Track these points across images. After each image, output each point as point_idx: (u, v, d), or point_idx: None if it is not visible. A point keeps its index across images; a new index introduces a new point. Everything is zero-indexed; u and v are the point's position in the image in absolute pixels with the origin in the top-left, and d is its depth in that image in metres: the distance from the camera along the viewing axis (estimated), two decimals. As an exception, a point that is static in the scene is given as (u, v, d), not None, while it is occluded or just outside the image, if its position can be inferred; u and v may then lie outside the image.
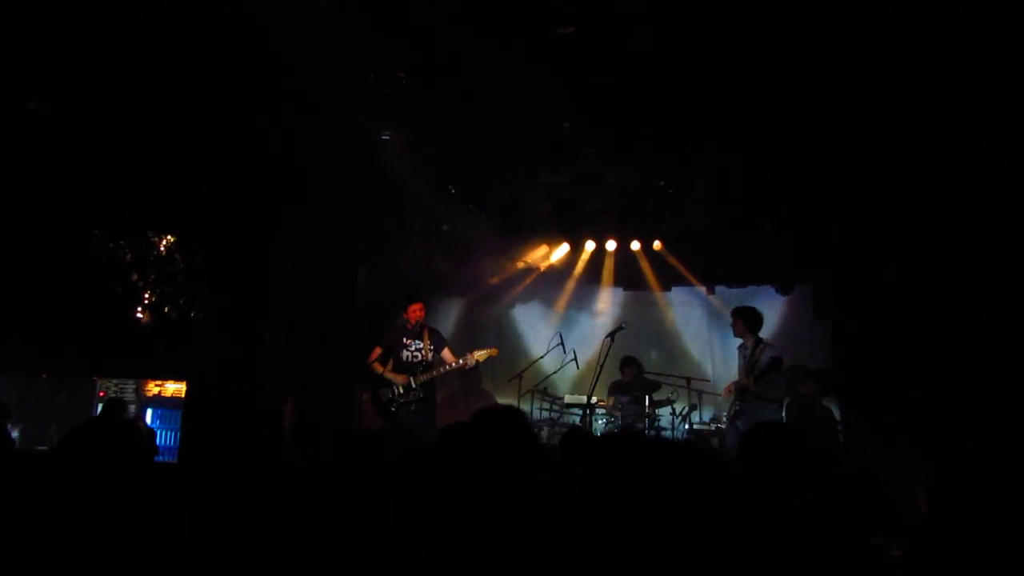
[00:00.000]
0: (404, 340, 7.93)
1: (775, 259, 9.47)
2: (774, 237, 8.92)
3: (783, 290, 10.11)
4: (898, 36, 5.50)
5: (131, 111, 6.59)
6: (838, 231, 8.36)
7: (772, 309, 10.38)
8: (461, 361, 7.76)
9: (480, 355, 7.84)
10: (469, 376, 10.61)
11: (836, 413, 9.08)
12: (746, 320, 7.73)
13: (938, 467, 6.16)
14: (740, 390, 7.55)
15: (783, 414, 7.69)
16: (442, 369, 7.80)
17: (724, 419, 8.46)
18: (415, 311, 7.91)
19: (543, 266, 10.65)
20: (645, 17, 5.57)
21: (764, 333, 10.17)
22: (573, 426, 6.11)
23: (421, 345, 7.88)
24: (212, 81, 6.20)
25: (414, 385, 7.71)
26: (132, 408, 9.60)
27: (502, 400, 10.66)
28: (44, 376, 8.36)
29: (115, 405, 6.74)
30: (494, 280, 10.89)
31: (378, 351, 7.96)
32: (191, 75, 6.13)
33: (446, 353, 7.84)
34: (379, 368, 7.85)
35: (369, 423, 8.84)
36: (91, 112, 6.64)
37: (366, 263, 10.18)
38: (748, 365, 7.50)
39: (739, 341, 7.83)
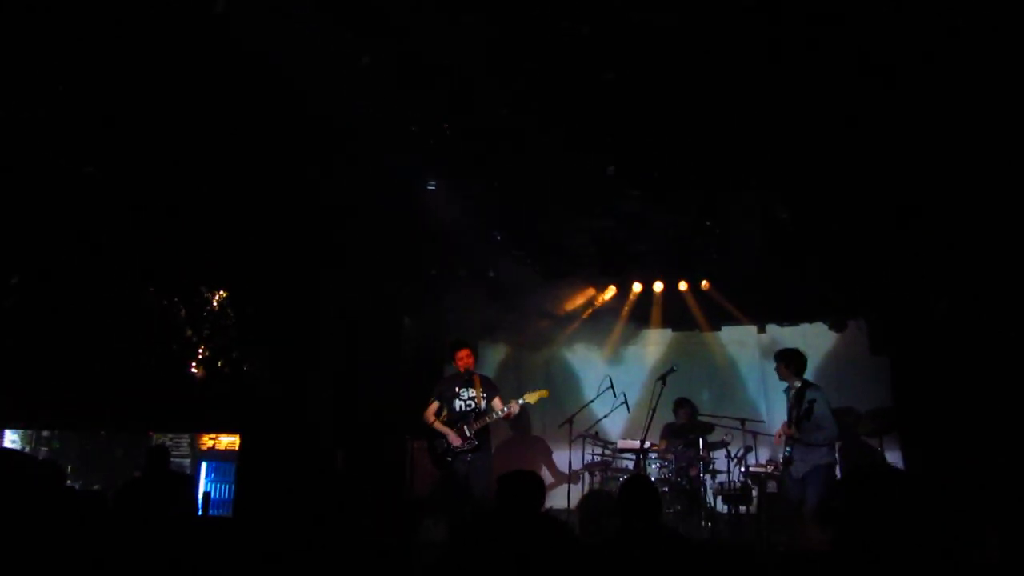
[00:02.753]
0: (456, 389, 7.89)
1: (826, 295, 9.31)
2: (823, 273, 8.77)
3: (836, 327, 9.91)
4: (949, 72, 5.43)
5: (179, 170, 6.76)
6: (889, 265, 8.20)
7: (825, 346, 10.20)
8: (506, 409, 7.67)
9: (530, 397, 7.77)
10: (521, 422, 10.54)
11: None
12: (787, 363, 7.59)
13: (1009, 512, 5.95)
14: (787, 437, 7.39)
15: (836, 456, 7.46)
16: (494, 416, 7.73)
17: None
18: (462, 358, 7.90)
19: (591, 309, 10.60)
20: (687, 58, 5.57)
21: (817, 371, 10.03)
22: (635, 475, 5.98)
23: (474, 393, 7.83)
24: (258, 138, 6.35)
25: (468, 434, 7.64)
26: (187, 462, 9.75)
27: (553, 446, 10.58)
28: (102, 432, 8.52)
29: (158, 454, 6.83)
30: (541, 325, 10.87)
31: (434, 405, 7.93)
32: (240, 133, 6.28)
33: (496, 401, 7.77)
34: (431, 419, 7.82)
35: (420, 471, 8.82)
36: (142, 172, 6.82)
37: (412, 311, 10.25)
38: (795, 408, 7.35)
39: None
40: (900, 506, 2.36)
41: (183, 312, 8.21)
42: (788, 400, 7.57)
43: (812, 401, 7.13)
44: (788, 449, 7.40)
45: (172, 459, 9.28)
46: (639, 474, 7.21)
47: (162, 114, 6.10)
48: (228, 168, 6.85)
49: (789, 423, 7.36)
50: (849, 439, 9.32)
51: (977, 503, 6.66)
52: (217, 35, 5.21)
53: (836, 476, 7.33)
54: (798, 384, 7.46)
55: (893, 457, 8.64)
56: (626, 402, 9.02)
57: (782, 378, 7.66)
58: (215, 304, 8.38)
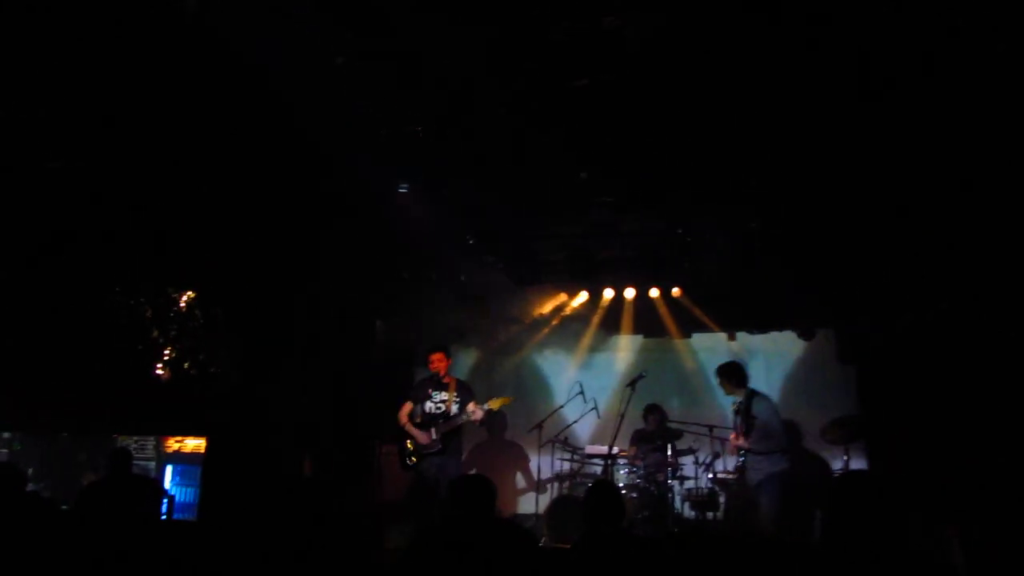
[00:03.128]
0: (429, 391, 7.90)
1: (795, 304, 9.40)
2: (793, 282, 8.87)
3: (804, 335, 10.01)
4: (917, 87, 5.51)
5: (147, 169, 6.68)
6: (857, 276, 8.31)
7: (794, 354, 10.29)
8: (470, 415, 7.65)
9: (494, 404, 7.74)
10: (493, 426, 10.54)
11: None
12: (728, 377, 7.76)
13: (972, 517, 6.04)
14: (738, 447, 7.54)
15: (789, 463, 7.59)
16: (462, 420, 7.71)
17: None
18: (434, 361, 7.90)
19: (562, 315, 10.62)
20: (660, 67, 5.60)
21: (786, 378, 10.15)
22: (600, 480, 6.01)
23: (446, 397, 7.83)
24: (228, 138, 6.28)
25: (435, 436, 7.64)
26: (152, 465, 9.60)
27: (523, 447, 10.59)
28: (65, 435, 8.37)
29: (120, 457, 6.73)
30: (512, 330, 10.87)
31: (408, 406, 7.93)
32: (209, 133, 6.21)
33: (470, 406, 7.74)
34: (403, 420, 7.83)
35: (389, 476, 8.77)
36: (109, 170, 6.73)
37: (383, 315, 10.20)
38: (743, 419, 7.50)
39: None
40: (883, 512, 2.44)
41: (149, 313, 8.09)
42: (736, 412, 7.71)
43: (759, 411, 7.35)
44: (741, 458, 7.55)
45: (137, 462, 9.16)
46: (603, 479, 7.23)
47: (132, 111, 6.03)
48: (198, 168, 6.78)
49: (737, 434, 7.51)
50: (802, 446, 9.49)
51: (940, 507, 6.77)
52: (189, 33, 5.16)
53: (792, 483, 7.45)
54: (744, 394, 7.60)
55: (858, 464, 8.73)
56: (596, 408, 9.05)
57: (728, 393, 7.81)
58: (182, 305, 8.28)
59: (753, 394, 7.60)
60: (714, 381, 10.51)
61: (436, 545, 2.58)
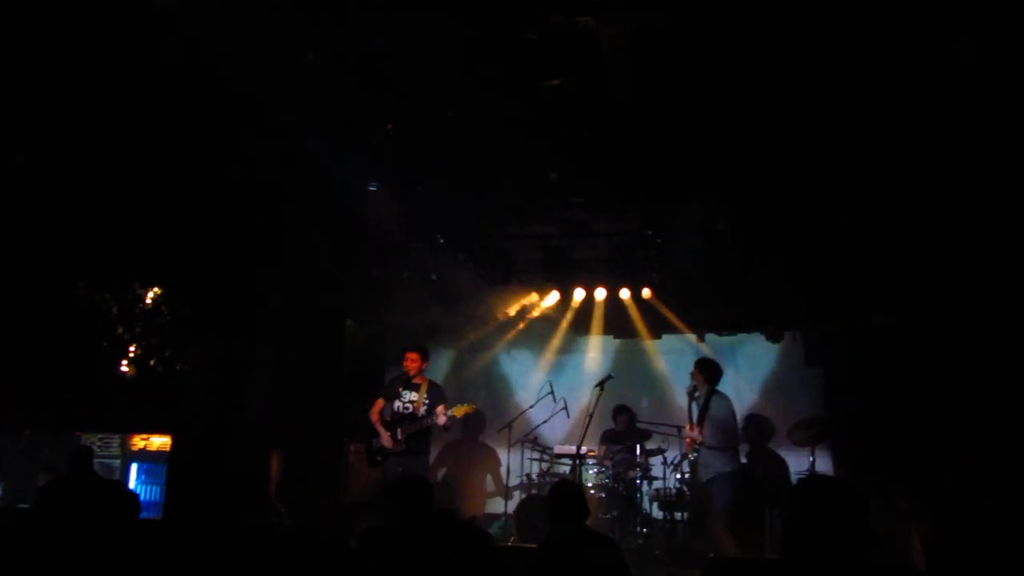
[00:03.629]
0: (399, 389, 7.87)
1: (764, 307, 9.49)
2: (762, 285, 8.95)
3: (772, 337, 10.11)
4: (882, 87, 5.58)
5: (113, 164, 6.59)
6: (825, 280, 8.40)
7: (763, 356, 10.39)
8: (435, 418, 7.62)
9: (457, 411, 7.70)
10: (467, 426, 10.53)
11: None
12: (703, 370, 7.90)
13: (933, 518, 6.13)
14: (692, 439, 7.63)
15: (739, 464, 7.70)
16: (427, 423, 7.68)
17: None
18: (409, 360, 7.86)
19: (532, 315, 10.62)
20: (630, 69, 5.63)
21: (754, 380, 10.25)
22: (563, 480, 6.04)
23: (415, 397, 7.80)
24: (196, 133, 6.22)
25: (399, 437, 7.62)
26: (117, 463, 9.46)
27: (495, 448, 10.58)
28: (27, 432, 8.24)
29: (81, 456, 6.63)
30: (483, 329, 10.87)
31: (380, 403, 7.90)
32: (176, 127, 6.15)
33: (439, 408, 7.71)
34: (373, 418, 7.80)
35: (358, 475, 8.74)
36: (74, 164, 6.63)
37: (354, 313, 10.15)
38: (699, 413, 7.60)
39: None
40: (843, 514, 2.44)
41: (115, 309, 7.98)
42: (696, 405, 7.80)
43: (715, 407, 7.51)
44: (695, 454, 7.64)
45: (101, 460, 9.03)
46: (567, 479, 7.27)
47: (98, 106, 5.95)
48: (167, 162, 6.70)
49: (692, 424, 7.61)
50: (760, 447, 9.59)
51: (903, 508, 6.86)
52: (156, 27, 5.10)
53: (743, 483, 7.57)
54: (705, 389, 7.71)
55: (824, 465, 8.83)
56: (566, 408, 9.07)
57: (694, 381, 7.88)
58: (148, 302, 8.17)
59: (715, 392, 7.70)
60: (683, 382, 10.64)
61: (378, 547, 2.58)
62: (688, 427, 7.77)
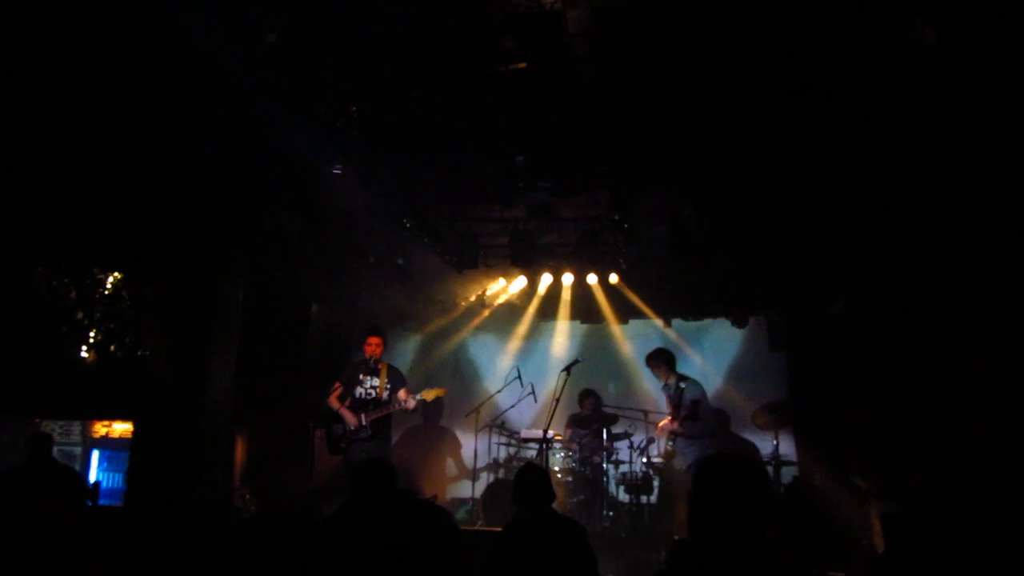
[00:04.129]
0: (360, 376, 7.84)
1: (729, 292, 9.57)
2: (727, 270, 9.02)
3: (738, 323, 10.21)
4: (845, 68, 5.61)
5: (73, 146, 6.45)
6: (789, 265, 8.48)
7: (728, 341, 10.50)
8: (403, 403, 7.63)
9: (428, 395, 7.72)
10: (429, 411, 10.51)
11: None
12: (661, 362, 7.98)
13: (891, 499, 6.24)
14: (670, 432, 7.70)
15: (713, 451, 7.78)
16: (393, 408, 7.67)
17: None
18: (371, 344, 7.84)
19: (500, 300, 10.61)
20: (596, 54, 5.60)
21: (719, 365, 10.35)
22: (527, 464, 6.05)
23: (377, 383, 7.78)
24: (154, 114, 6.09)
25: (364, 423, 7.59)
26: (78, 450, 9.32)
27: (460, 434, 10.57)
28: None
29: (39, 442, 6.52)
30: (451, 314, 10.84)
31: (338, 387, 7.85)
32: (134, 109, 6.02)
33: (401, 393, 7.71)
34: (335, 404, 7.75)
35: (322, 460, 8.69)
36: (31, 148, 6.48)
37: (320, 298, 10.07)
38: (674, 406, 7.66)
39: None
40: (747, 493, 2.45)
41: (73, 294, 7.82)
42: (668, 397, 7.87)
43: (692, 397, 7.58)
44: (671, 443, 7.71)
45: (62, 447, 8.89)
46: (531, 463, 7.29)
47: (56, 85, 5.80)
48: (125, 146, 6.56)
49: (673, 418, 7.67)
50: (729, 431, 9.72)
51: (863, 488, 6.97)
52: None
53: None
54: (674, 380, 7.77)
55: (787, 448, 8.95)
56: (533, 392, 9.09)
57: (661, 378, 7.96)
58: (108, 286, 8.02)
59: (683, 378, 7.76)
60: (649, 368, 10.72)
61: (342, 530, 2.56)
62: (667, 420, 7.82)
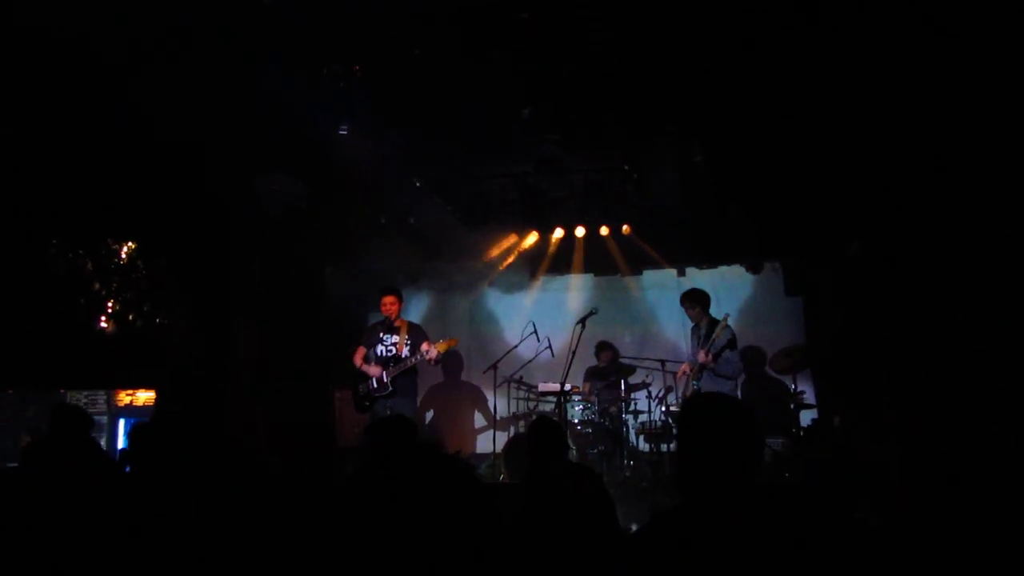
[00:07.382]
0: (380, 335, 7.93)
1: (743, 239, 9.51)
2: (741, 217, 8.95)
3: (752, 269, 10.17)
4: (856, 29, 5.51)
5: (84, 118, 6.45)
6: (802, 209, 8.41)
7: (742, 288, 10.46)
8: (425, 354, 7.68)
9: (440, 346, 7.76)
10: (449, 367, 10.59)
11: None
12: (696, 303, 7.91)
13: (909, 437, 6.25)
14: (699, 368, 7.64)
15: (739, 393, 7.80)
16: (412, 361, 7.74)
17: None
18: (386, 304, 7.90)
19: (512, 255, 10.60)
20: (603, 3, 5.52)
21: (735, 311, 10.31)
22: (540, 417, 6.09)
23: (396, 339, 7.85)
24: (164, 83, 6.07)
25: (385, 379, 7.69)
26: (104, 420, 9.45)
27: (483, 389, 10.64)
28: (10, 391, 8.20)
29: (64, 415, 6.59)
30: (465, 271, 10.85)
31: (362, 350, 7.96)
32: (141, 78, 6.00)
33: (424, 345, 7.76)
34: (358, 362, 7.87)
35: (345, 421, 8.79)
36: (45, 120, 6.48)
37: (333, 259, 10.09)
38: (705, 343, 7.62)
39: None
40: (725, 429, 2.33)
41: (89, 265, 7.89)
42: (696, 338, 7.85)
43: (727, 336, 7.53)
44: (696, 383, 7.68)
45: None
46: (544, 416, 7.34)
47: (69, 57, 5.79)
48: (135, 116, 6.55)
49: (705, 352, 7.62)
50: (754, 376, 9.68)
51: (880, 430, 6.99)
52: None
53: None
54: (706, 321, 7.76)
55: (806, 391, 8.94)
56: (550, 346, 9.10)
57: (695, 319, 7.93)
58: (123, 256, 8.07)
59: (715, 321, 7.74)
60: (665, 317, 10.70)
61: (364, 487, 2.58)
62: (701, 354, 7.74)
